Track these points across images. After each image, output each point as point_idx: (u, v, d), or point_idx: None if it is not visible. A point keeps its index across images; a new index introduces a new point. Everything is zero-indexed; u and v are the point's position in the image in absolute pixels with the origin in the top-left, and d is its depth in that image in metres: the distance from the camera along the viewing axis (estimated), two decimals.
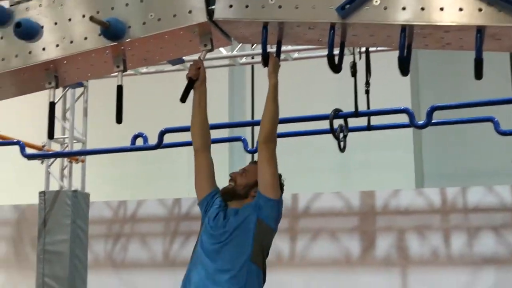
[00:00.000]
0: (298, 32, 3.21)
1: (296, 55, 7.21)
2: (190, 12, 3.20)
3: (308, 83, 8.61)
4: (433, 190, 7.57)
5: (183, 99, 3.35)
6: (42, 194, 7.21)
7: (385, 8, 2.90)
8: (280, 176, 3.42)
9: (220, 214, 3.39)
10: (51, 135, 3.61)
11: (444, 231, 7.31)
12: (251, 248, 3.27)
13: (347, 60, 6.84)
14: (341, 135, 5.33)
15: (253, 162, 3.52)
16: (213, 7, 3.16)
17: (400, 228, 7.48)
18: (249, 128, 7.64)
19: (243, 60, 7.33)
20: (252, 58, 7.53)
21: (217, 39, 3.37)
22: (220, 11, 3.14)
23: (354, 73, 4.81)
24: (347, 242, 7.61)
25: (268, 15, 3.08)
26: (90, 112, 7.74)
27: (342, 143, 5.38)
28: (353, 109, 5.41)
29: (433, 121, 5.54)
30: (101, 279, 8.09)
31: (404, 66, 3.01)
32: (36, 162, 7.63)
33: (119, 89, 3.44)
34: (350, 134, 5.76)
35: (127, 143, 6.67)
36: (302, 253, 7.70)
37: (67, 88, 7.04)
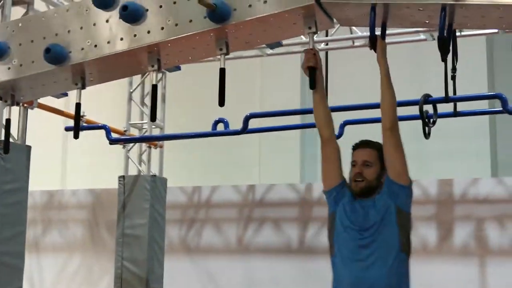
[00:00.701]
0: (406, 13, 3.20)
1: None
2: None
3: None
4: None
5: (313, 86, 3.34)
6: (122, 178, 7.38)
7: None
8: None
9: (356, 207, 3.37)
10: (153, 117, 3.66)
11: None
12: (398, 238, 3.27)
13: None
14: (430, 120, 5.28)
15: (361, 146, 3.47)
16: None
17: (479, 217, 7.40)
18: None
19: (321, 46, 7.31)
20: (327, 44, 7.53)
21: (320, 21, 3.36)
22: None
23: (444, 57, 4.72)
24: (424, 231, 7.57)
25: None
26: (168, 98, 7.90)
27: (427, 130, 5.33)
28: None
29: None
30: (175, 263, 8.29)
31: None
32: (110, 148, 7.80)
33: (222, 72, 3.47)
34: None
35: (203, 129, 6.80)
36: None
37: (146, 74, 7.15)
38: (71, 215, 9.18)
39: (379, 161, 3.38)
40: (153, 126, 7.59)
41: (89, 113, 6.97)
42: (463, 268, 7.38)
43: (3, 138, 4.79)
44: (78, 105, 3.84)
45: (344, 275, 3.33)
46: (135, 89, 7.62)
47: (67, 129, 6.70)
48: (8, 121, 4.01)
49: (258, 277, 8.16)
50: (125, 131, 7.27)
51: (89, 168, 9.74)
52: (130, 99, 7.70)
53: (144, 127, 7.61)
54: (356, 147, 3.53)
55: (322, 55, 7.55)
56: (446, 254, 7.49)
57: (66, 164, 10.14)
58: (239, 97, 7.80)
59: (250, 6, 3.32)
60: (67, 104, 7.50)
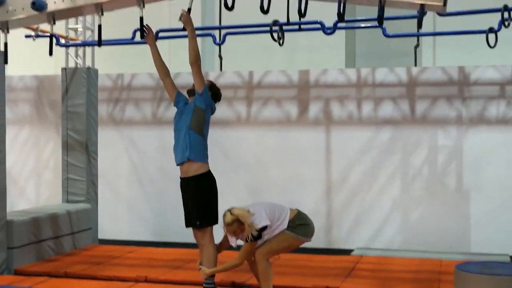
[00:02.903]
0: None
1: None
2: None
3: None
4: (350, 70, 10.19)
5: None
6: (64, 70, 9.65)
7: None
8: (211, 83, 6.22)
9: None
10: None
11: (357, 100, 10.03)
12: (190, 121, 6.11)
13: None
14: None
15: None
16: None
17: (326, 97, 10.08)
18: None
19: None
20: None
21: None
22: None
23: None
24: (288, 107, 10.26)
25: None
26: None
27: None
28: None
29: None
30: (105, 132, 10.52)
31: None
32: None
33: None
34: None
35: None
36: (255, 115, 10.40)
37: None
38: (19, 96, 11.24)
39: None
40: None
41: None
42: (315, 133, 10.07)
43: None
44: (51, 37, 6.27)
45: None
46: None
47: (27, 36, 8.96)
48: (5, 44, 6.41)
49: (168, 143, 10.84)
50: (66, 35, 9.54)
51: (32, 59, 11.83)
52: None
53: (79, 29, 9.83)
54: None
55: None
56: (303, 124, 10.17)
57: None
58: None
59: None
60: None
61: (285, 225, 5.93)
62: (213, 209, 6.10)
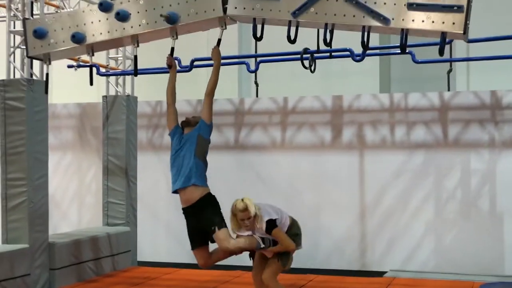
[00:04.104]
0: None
1: None
2: None
3: None
4: (383, 95, 10.37)
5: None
6: (105, 97, 10.04)
7: None
8: None
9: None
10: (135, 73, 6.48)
11: (390, 124, 10.19)
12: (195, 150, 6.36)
13: None
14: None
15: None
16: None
17: (359, 122, 10.28)
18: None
19: None
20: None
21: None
22: None
23: None
24: (322, 132, 10.46)
25: None
26: None
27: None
28: None
29: None
30: (145, 158, 10.85)
31: None
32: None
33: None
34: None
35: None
36: (290, 139, 10.63)
37: None
38: (63, 123, 11.69)
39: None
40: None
41: None
42: (349, 157, 10.26)
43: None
44: (91, 67, 6.62)
45: None
46: None
47: (69, 66, 9.41)
48: (47, 75, 6.78)
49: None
50: (107, 65, 9.94)
51: (75, 87, 12.23)
52: None
53: (119, 59, 10.24)
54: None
55: None
56: (337, 148, 10.35)
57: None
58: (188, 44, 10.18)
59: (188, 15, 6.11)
60: None
61: (284, 228, 6.10)
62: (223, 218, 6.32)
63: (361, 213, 10.16)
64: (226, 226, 6.23)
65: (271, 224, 5.97)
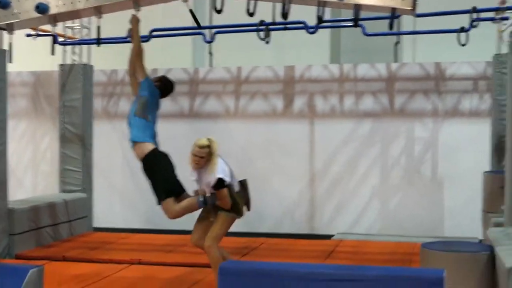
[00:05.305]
0: None
1: None
2: None
3: None
4: (333, 66, 10.75)
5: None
6: (62, 66, 10.16)
7: None
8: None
9: None
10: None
11: (340, 94, 10.60)
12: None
13: None
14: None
15: None
16: None
17: (310, 92, 10.68)
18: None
19: None
20: None
21: None
22: None
23: None
24: (274, 101, 10.82)
25: None
26: None
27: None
28: None
29: None
30: (100, 126, 10.97)
31: None
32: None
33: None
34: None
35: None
36: (244, 108, 10.97)
37: None
38: (17, 91, 11.69)
39: None
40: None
41: None
42: (300, 126, 10.65)
43: None
44: (54, 37, 6.78)
45: None
46: None
47: (28, 35, 9.46)
48: (10, 44, 6.91)
49: (160, 136, 11.19)
50: (64, 34, 10.03)
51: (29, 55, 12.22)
52: None
53: (76, 28, 10.32)
54: None
55: None
56: (289, 117, 10.72)
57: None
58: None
59: None
60: None
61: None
62: (169, 182, 6.29)
63: (311, 179, 10.58)
64: (168, 195, 6.16)
65: (221, 183, 5.85)
